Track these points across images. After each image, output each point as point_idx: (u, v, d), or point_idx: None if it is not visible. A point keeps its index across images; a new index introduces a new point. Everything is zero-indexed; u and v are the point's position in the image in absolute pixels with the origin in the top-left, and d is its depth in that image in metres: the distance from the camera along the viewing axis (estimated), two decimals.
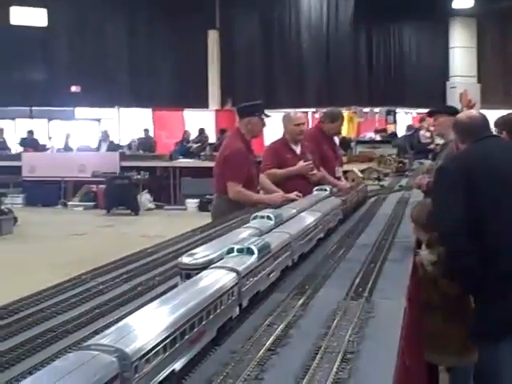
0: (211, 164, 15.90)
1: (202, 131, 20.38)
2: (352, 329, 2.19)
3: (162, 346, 1.65)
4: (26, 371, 1.84)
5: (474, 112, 4.13)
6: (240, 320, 2.30)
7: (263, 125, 5.96)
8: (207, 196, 15.82)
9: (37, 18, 23.50)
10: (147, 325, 1.70)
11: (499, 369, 3.48)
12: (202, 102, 24.13)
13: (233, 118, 21.97)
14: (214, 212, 5.96)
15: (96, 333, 2.14)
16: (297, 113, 6.85)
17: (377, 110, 23.28)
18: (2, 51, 21.16)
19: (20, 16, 23.24)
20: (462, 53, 25.77)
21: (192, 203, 16.57)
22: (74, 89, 23.83)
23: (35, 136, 21.14)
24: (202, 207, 16.12)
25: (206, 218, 6.08)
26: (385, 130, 20.51)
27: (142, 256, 3.53)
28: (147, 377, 1.57)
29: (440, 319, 3.86)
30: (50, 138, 22.14)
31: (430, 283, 3.86)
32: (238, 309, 2.26)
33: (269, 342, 2.09)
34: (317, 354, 1.97)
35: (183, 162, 17.92)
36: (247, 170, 5.77)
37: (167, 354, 1.68)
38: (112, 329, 1.67)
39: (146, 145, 19.69)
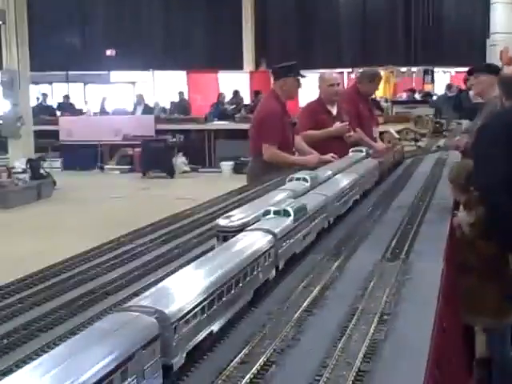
0: (246, 126, 15.87)
1: (236, 93, 20.29)
2: (389, 290, 2.19)
3: (200, 307, 1.68)
4: (69, 331, 1.89)
5: None
6: (276, 282, 2.32)
7: (299, 86, 5.91)
8: (242, 158, 15.80)
9: None
10: (185, 287, 1.72)
11: None
12: (236, 64, 23.95)
13: (267, 79, 21.76)
14: (250, 174, 5.96)
15: (135, 294, 2.18)
16: (331, 73, 6.75)
17: (414, 69, 22.81)
18: (39, 16, 21.23)
19: None
20: (503, 8, 24.96)
21: (227, 165, 16.59)
22: (109, 52, 23.88)
23: (71, 100, 21.34)
24: (237, 169, 16.12)
25: (240, 181, 6.10)
26: (413, 90, 20.16)
27: (179, 218, 3.57)
28: (186, 337, 1.60)
29: (476, 280, 3.83)
30: (86, 103, 22.32)
31: (467, 245, 3.83)
32: (274, 271, 2.28)
33: (305, 303, 2.10)
34: (353, 315, 1.98)
35: (218, 124, 17.90)
36: (283, 132, 5.75)
37: (205, 315, 1.71)
38: (151, 290, 1.70)
39: (181, 107, 19.69)
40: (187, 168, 17.01)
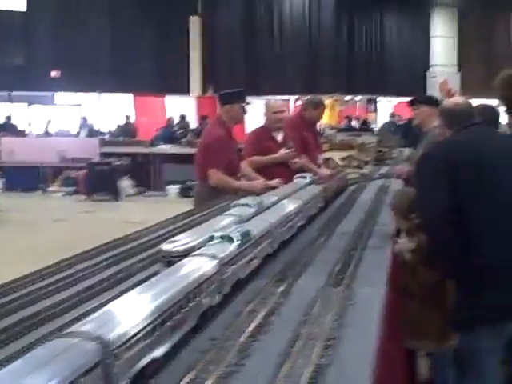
0: (192, 150, 15.84)
1: (183, 117, 20.33)
2: (332, 315, 2.22)
3: (143, 333, 1.66)
4: (5, 358, 1.83)
5: (459, 99, 4.14)
6: (221, 307, 2.31)
7: (244, 112, 5.97)
8: (188, 182, 15.76)
9: (16, 2, 23.15)
10: (128, 312, 1.71)
11: (479, 355, 3.53)
12: (183, 89, 24.03)
13: (214, 104, 21.89)
14: (197, 198, 5.96)
15: (77, 319, 2.13)
16: (276, 101, 6.85)
17: (358, 98, 23.35)
18: None
19: None
20: (442, 42, 25.89)
21: (173, 189, 16.49)
22: (54, 73, 23.58)
23: (14, 121, 20.92)
24: (183, 193, 16.04)
25: (187, 205, 6.08)
26: (350, 118, 20.73)
27: (123, 242, 3.52)
28: (128, 364, 1.58)
29: (418, 306, 3.90)
30: (29, 124, 21.93)
31: (409, 270, 3.90)
32: (218, 296, 2.27)
33: (250, 328, 2.10)
34: (297, 340, 1.99)
35: (164, 148, 17.84)
36: (228, 157, 5.78)
37: (148, 341, 1.69)
38: (93, 316, 1.67)
39: (127, 131, 19.57)
40: (133, 191, 16.84)
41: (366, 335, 2.11)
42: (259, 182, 5.81)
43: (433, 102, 6.06)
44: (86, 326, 1.57)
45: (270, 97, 16.99)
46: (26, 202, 15.03)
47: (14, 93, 23.37)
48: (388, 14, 26.19)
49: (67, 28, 24.27)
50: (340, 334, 2.07)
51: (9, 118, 20.87)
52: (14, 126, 20.60)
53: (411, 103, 6.58)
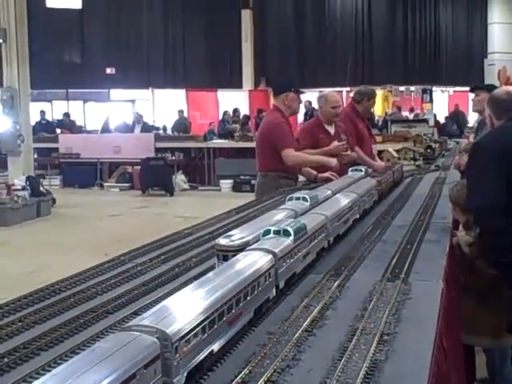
0: (245, 145, 16.03)
1: (235, 111, 20.37)
2: (389, 310, 2.20)
3: (201, 327, 1.68)
4: (69, 350, 1.89)
5: (511, 88, 4.02)
6: (277, 301, 2.32)
7: (299, 100, 5.97)
8: (241, 176, 15.87)
9: (72, 0, 23.62)
10: (186, 306, 1.73)
11: None
12: (235, 83, 24.11)
13: (266, 97, 21.93)
14: (259, 191, 5.97)
15: (135, 313, 2.19)
16: (334, 95, 6.75)
17: (412, 88, 22.95)
18: (39, 34, 21.37)
19: None
20: (500, 28, 25.16)
21: (226, 184, 16.64)
22: (109, 71, 24.01)
23: (71, 118, 21.42)
24: (236, 188, 16.18)
25: (240, 199, 6.12)
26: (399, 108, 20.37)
27: (179, 237, 3.57)
28: (187, 357, 1.60)
29: (475, 301, 3.83)
30: (85, 121, 22.37)
31: (467, 265, 3.83)
32: (274, 290, 2.28)
33: (306, 323, 2.10)
34: (354, 335, 1.98)
35: (217, 142, 17.97)
36: (293, 137, 5.80)
37: (206, 334, 1.71)
38: (152, 310, 1.70)
39: (181, 126, 19.76)
40: (186, 186, 17.04)
41: (424, 330, 2.09)
42: (334, 159, 5.78)
43: (492, 89, 5.93)
44: (145, 320, 1.60)
45: (322, 89, 16.92)
46: (83, 198, 15.43)
47: (71, 90, 23.91)
48: (443, 1, 25.62)
49: (121, 25, 24.66)
50: (397, 328, 2.05)
51: (67, 114, 21.37)
52: (72, 123, 21.08)
53: (472, 89, 6.50)
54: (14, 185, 12.78)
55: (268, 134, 5.84)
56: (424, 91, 22.39)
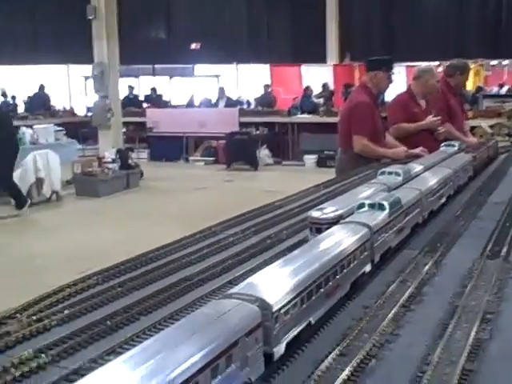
0: (329, 120, 15.86)
1: (325, 86, 20.11)
2: (491, 288, 2.11)
3: (299, 297, 1.67)
4: (168, 316, 1.93)
5: None
6: (372, 276, 2.28)
7: (390, 81, 5.81)
8: (326, 152, 15.74)
9: None
10: (284, 277, 1.72)
11: None
12: (319, 57, 23.80)
13: (351, 72, 21.54)
14: (339, 167, 5.91)
15: (230, 283, 2.21)
16: (433, 68, 6.61)
17: (506, 62, 21.95)
18: (127, 12, 21.83)
19: None
20: None
21: (310, 159, 16.54)
22: (193, 46, 24.26)
23: (158, 93, 21.82)
24: (321, 163, 16.06)
25: (325, 174, 6.06)
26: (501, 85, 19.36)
27: (269, 209, 3.57)
28: (286, 327, 1.59)
29: None
30: (171, 96, 22.70)
31: None
32: (370, 264, 2.24)
33: (403, 298, 2.06)
34: (454, 312, 1.92)
35: (301, 117, 17.86)
36: (373, 124, 5.66)
37: (304, 306, 1.70)
38: (251, 279, 1.70)
39: (266, 100, 19.74)
40: (271, 161, 17.08)
41: None
42: (402, 149, 5.66)
43: None
44: (245, 288, 1.60)
45: (410, 63, 16.46)
46: (170, 171, 15.74)
47: (157, 66, 24.33)
48: None
49: (206, 1, 24.80)
50: (500, 307, 1.97)
51: (154, 89, 21.78)
52: (159, 97, 21.47)
53: None
54: (104, 157, 13.20)
55: (350, 112, 5.75)
56: None
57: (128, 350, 1.35)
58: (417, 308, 2.00)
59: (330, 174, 6.17)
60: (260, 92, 20.54)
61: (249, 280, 1.70)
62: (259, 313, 1.46)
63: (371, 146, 5.59)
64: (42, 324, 1.87)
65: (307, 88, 19.66)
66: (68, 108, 21.96)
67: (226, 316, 1.42)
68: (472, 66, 18.89)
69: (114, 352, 1.65)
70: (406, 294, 2.09)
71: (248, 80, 23.23)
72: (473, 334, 1.75)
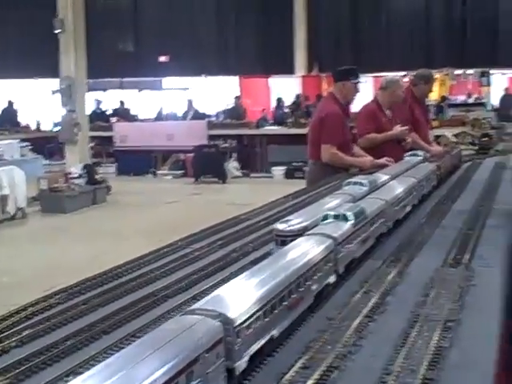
0: (298, 131, 15.93)
1: (298, 97, 20.22)
2: (452, 297, 2.14)
3: (262, 311, 1.67)
4: (131, 334, 1.91)
5: None
6: (336, 287, 2.29)
7: (357, 90, 5.89)
8: (294, 163, 15.80)
9: None
10: (247, 291, 1.72)
11: None
12: (288, 69, 23.95)
13: (319, 83, 21.72)
14: (309, 178, 5.95)
15: (195, 298, 2.20)
16: (400, 79, 6.74)
17: (470, 71, 22.35)
18: (94, 25, 21.71)
19: None
20: None
21: (278, 171, 16.59)
22: (162, 59, 24.22)
23: (126, 106, 21.73)
24: (289, 174, 16.11)
25: (293, 186, 6.07)
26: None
27: (235, 223, 3.57)
28: (249, 342, 1.59)
29: None
30: (139, 110, 22.62)
31: None
32: (334, 275, 2.25)
33: (366, 308, 2.07)
34: (416, 321, 1.94)
35: (269, 129, 17.92)
36: (343, 134, 5.73)
37: (267, 319, 1.70)
38: (214, 294, 1.70)
39: (236, 112, 19.75)
40: (239, 173, 17.08)
41: (489, 317, 2.03)
42: (370, 159, 5.72)
43: None
44: (207, 303, 1.60)
45: (377, 74, 16.66)
46: (138, 185, 15.62)
47: (125, 79, 24.22)
48: None
49: (174, 14, 24.80)
50: (461, 315, 1.99)
51: (122, 103, 21.67)
52: (126, 111, 21.37)
53: None
54: (70, 173, 13.05)
55: (320, 122, 5.80)
56: (482, 74, 21.77)
57: (89, 369, 1.34)
58: (380, 318, 2.02)
59: (298, 185, 6.19)
60: (230, 104, 20.57)
61: (211, 295, 1.70)
62: (221, 328, 1.46)
63: (339, 155, 5.65)
64: (1, 346, 1.84)
65: (280, 100, 19.77)
66: (35, 123, 21.72)
67: (188, 332, 1.42)
68: (437, 75, 19.19)
69: (74, 373, 1.63)
70: (370, 305, 2.11)
71: (217, 92, 23.26)
72: (433, 342, 1.77)
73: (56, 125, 17.72)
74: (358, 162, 5.68)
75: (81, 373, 1.46)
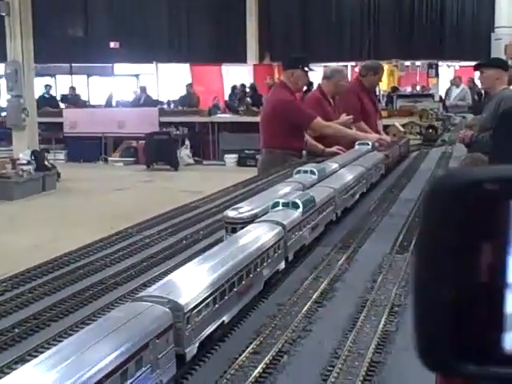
0: (250, 119, 15.95)
1: (252, 86, 20.17)
2: (398, 282, 2.19)
3: (211, 298, 1.68)
4: (80, 321, 1.89)
5: None
6: (286, 273, 2.32)
7: (307, 78, 5.91)
8: (246, 151, 15.83)
9: None
10: (197, 277, 1.73)
11: None
12: (240, 57, 23.90)
13: (271, 72, 21.74)
14: (261, 166, 5.95)
15: (145, 285, 2.19)
16: (344, 69, 6.82)
17: (418, 63, 22.75)
18: (42, 8, 21.18)
19: None
20: (508, 2, 24.82)
21: (231, 158, 16.59)
22: (112, 45, 23.83)
23: (76, 92, 21.32)
24: (241, 162, 16.14)
25: (245, 173, 6.09)
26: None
27: (186, 210, 3.57)
28: (198, 328, 1.60)
29: None
30: (89, 96, 22.24)
31: None
32: (284, 262, 2.28)
33: (315, 294, 2.10)
34: (364, 306, 1.98)
35: (222, 117, 17.87)
36: (315, 110, 5.78)
37: (217, 306, 1.71)
38: (163, 281, 1.70)
39: (188, 100, 19.58)
40: (191, 161, 17.01)
41: None
42: (375, 135, 5.89)
43: (501, 64, 5.81)
44: (156, 290, 1.60)
45: (327, 63, 16.77)
46: (88, 172, 15.40)
47: (75, 65, 23.75)
48: None
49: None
50: (407, 300, 2.04)
51: (73, 88, 21.24)
52: (77, 97, 20.95)
53: (477, 67, 6.25)
54: (18, 159, 12.77)
55: (281, 111, 5.72)
56: (430, 66, 22.17)
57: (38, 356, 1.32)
58: (328, 304, 2.06)
59: (250, 172, 6.21)
60: (182, 92, 20.40)
61: (161, 282, 1.70)
62: (170, 314, 1.47)
63: (343, 128, 5.76)
64: None
65: (234, 87, 19.71)
66: None
67: (137, 319, 1.42)
68: (386, 66, 19.45)
69: (23, 360, 1.61)
70: (319, 291, 2.14)
71: (168, 80, 23.04)
72: (380, 326, 1.82)
73: (2, 110, 17.26)
74: (363, 136, 5.67)
75: (29, 360, 1.44)
